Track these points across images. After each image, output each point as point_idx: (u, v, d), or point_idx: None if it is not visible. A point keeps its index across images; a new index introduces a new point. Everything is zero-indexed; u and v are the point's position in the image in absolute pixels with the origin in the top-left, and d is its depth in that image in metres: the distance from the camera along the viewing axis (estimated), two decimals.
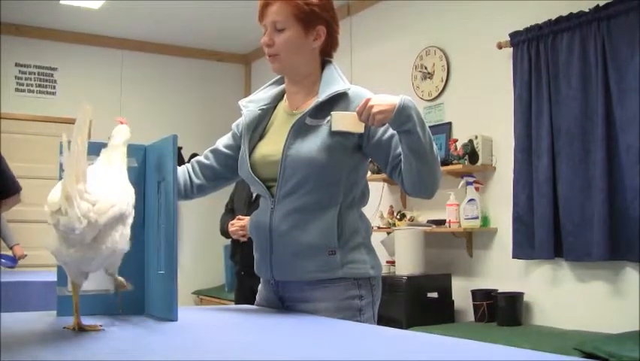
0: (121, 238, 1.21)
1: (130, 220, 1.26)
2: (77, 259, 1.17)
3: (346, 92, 1.67)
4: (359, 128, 1.59)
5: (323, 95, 1.65)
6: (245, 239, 3.21)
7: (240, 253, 3.61)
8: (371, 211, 4.62)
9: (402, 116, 1.53)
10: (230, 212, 3.67)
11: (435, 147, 1.61)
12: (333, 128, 1.59)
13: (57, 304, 1.44)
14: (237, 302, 3.62)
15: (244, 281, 3.57)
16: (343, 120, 1.59)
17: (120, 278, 1.34)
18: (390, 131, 1.63)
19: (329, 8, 1.70)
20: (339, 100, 1.66)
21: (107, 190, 1.20)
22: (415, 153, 1.57)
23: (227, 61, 7.11)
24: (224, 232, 3.49)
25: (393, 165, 1.65)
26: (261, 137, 1.75)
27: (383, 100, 1.54)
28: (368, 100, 1.54)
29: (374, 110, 1.52)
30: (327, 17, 1.70)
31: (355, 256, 1.65)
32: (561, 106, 3.68)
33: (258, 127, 1.76)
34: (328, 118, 1.62)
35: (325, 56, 1.75)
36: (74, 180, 1.10)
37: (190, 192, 1.83)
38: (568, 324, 3.62)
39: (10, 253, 4.94)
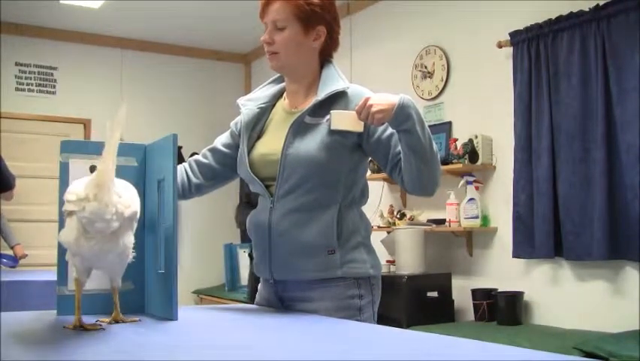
0: (129, 242, 1.27)
1: (135, 226, 1.30)
2: (96, 251, 1.21)
3: (345, 91, 1.67)
4: (358, 127, 1.59)
5: (322, 93, 1.65)
6: None
7: None
8: (371, 210, 4.62)
9: (401, 115, 1.53)
10: (247, 205, 3.58)
11: (435, 145, 1.61)
12: (333, 127, 1.59)
13: (57, 303, 1.44)
14: (252, 300, 3.58)
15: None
16: (343, 119, 1.59)
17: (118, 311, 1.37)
18: (390, 129, 1.63)
19: (330, 9, 1.70)
20: (338, 99, 1.66)
21: (127, 190, 1.27)
22: (415, 152, 1.57)
23: (226, 60, 7.11)
24: (242, 224, 3.39)
25: (393, 164, 1.65)
26: (260, 135, 1.75)
27: (382, 99, 1.54)
28: (367, 99, 1.54)
29: (373, 109, 1.52)
30: (328, 18, 1.70)
31: (355, 255, 1.65)
32: (561, 105, 3.68)
33: (257, 126, 1.76)
34: (327, 117, 1.62)
35: (326, 56, 1.75)
36: (110, 169, 1.15)
37: (188, 191, 1.83)
38: (568, 323, 3.62)
39: (11, 252, 4.94)
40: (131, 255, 1.30)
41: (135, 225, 1.29)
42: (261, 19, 1.70)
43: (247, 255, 3.88)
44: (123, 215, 1.19)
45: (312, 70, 1.73)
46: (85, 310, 1.30)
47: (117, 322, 1.33)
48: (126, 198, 1.22)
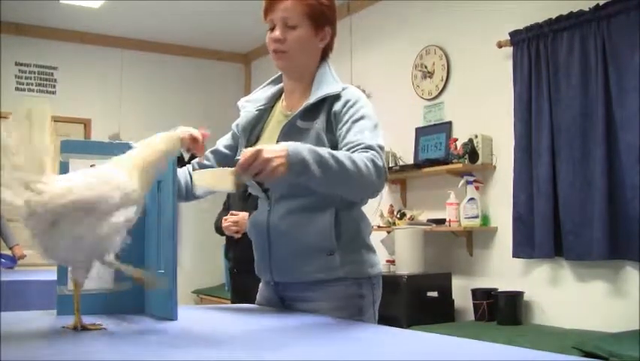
0: (88, 230, 1.16)
1: (119, 217, 1.20)
2: (43, 249, 1.17)
3: (338, 94, 1.64)
4: (226, 185, 1.38)
5: (313, 97, 1.63)
6: (239, 235, 3.13)
7: (233, 250, 3.55)
8: (371, 210, 4.60)
9: (296, 164, 1.37)
10: (227, 209, 3.62)
11: (346, 162, 1.43)
12: (198, 190, 1.55)
13: (57, 303, 1.44)
14: (233, 301, 3.59)
15: (237, 279, 3.54)
16: (207, 179, 1.48)
17: (135, 272, 1.29)
18: (347, 124, 1.57)
19: (335, 9, 1.70)
20: (329, 101, 1.64)
21: (70, 181, 1.18)
22: (332, 188, 1.49)
23: (227, 60, 7.11)
24: (218, 229, 3.43)
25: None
26: (258, 138, 1.74)
27: (274, 150, 1.36)
28: (259, 151, 1.34)
29: (274, 163, 1.34)
30: (333, 19, 1.69)
31: (355, 255, 1.64)
32: (561, 105, 3.68)
33: (255, 128, 1.75)
34: (318, 120, 1.61)
35: (323, 57, 1.74)
36: (13, 168, 1.13)
37: (191, 193, 1.82)
38: (568, 323, 3.62)
39: (9, 253, 4.93)
40: (106, 238, 1.19)
41: (111, 210, 1.19)
42: (266, 15, 1.66)
43: (224, 255, 3.90)
44: (38, 213, 1.12)
45: (312, 70, 1.71)
46: (85, 310, 1.30)
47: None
48: (51, 193, 1.13)
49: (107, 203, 1.19)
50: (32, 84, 6.13)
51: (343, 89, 1.65)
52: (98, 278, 1.36)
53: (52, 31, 6.15)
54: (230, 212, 3.25)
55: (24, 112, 1.19)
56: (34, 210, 1.12)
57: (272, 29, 1.66)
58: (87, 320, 1.28)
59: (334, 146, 1.59)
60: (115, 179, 1.22)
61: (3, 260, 4.77)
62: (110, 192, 1.19)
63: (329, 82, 1.67)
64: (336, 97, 1.63)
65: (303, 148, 1.39)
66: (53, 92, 6.20)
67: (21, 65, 6.08)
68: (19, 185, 1.13)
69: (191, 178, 1.81)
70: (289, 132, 1.62)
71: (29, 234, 1.16)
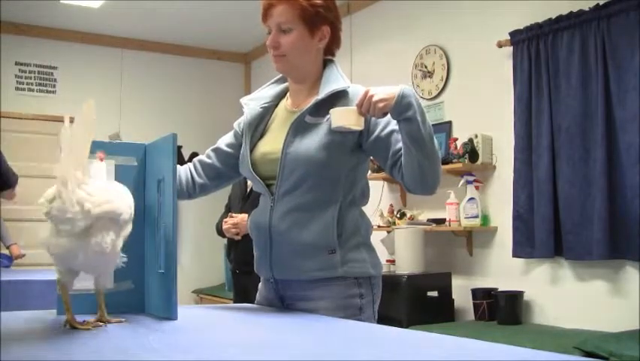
0: (112, 243, 1.21)
1: (126, 232, 1.27)
2: (65, 251, 1.18)
3: (346, 90, 1.67)
4: (359, 124, 1.57)
5: (322, 93, 1.66)
6: (239, 237, 3.15)
7: (234, 251, 3.56)
8: (371, 210, 4.61)
9: (402, 104, 1.53)
10: (228, 211, 3.64)
11: (435, 141, 1.60)
12: (333, 125, 1.58)
13: (57, 302, 1.44)
14: (235, 301, 3.61)
15: (238, 280, 3.55)
16: (343, 116, 1.58)
17: (106, 317, 1.32)
18: (390, 127, 1.63)
19: (332, 8, 1.71)
20: (338, 98, 1.66)
21: (107, 189, 1.23)
22: (416, 143, 1.55)
23: (227, 60, 7.11)
24: (219, 231, 3.44)
25: (393, 161, 1.63)
26: (262, 135, 1.76)
27: (383, 90, 1.55)
28: (368, 91, 1.55)
29: (375, 98, 1.53)
30: (331, 17, 1.70)
31: (355, 254, 1.65)
32: (561, 105, 3.68)
33: (259, 125, 1.76)
34: (328, 116, 1.62)
35: (328, 54, 1.76)
36: (72, 165, 1.14)
37: (192, 191, 1.84)
38: (568, 323, 3.62)
39: (7, 252, 4.94)
40: (118, 257, 1.26)
41: (124, 225, 1.25)
42: (264, 22, 1.69)
43: (225, 256, 3.90)
44: (90, 213, 1.15)
45: (316, 70, 1.73)
46: (85, 310, 1.30)
47: (102, 322, 1.31)
48: (98, 197, 1.18)
49: (128, 222, 1.28)
50: (32, 84, 6.12)
51: (349, 87, 1.68)
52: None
53: (52, 31, 6.15)
54: (230, 214, 3.26)
55: (82, 110, 1.20)
56: (86, 210, 1.14)
57: (270, 33, 1.69)
58: (86, 319, 1.28)
59: (343, 143, 1.61)
60: (130, 199, 1.31)
61: (0, 260, 4.77)
62: (131, 211, 1.28)
63: (337, 79, 1.70)
64: (344, 94, 1.66)
65: (412, 93, 1.56)
66: (53, 92, 6.20)
67: (21, 64, 6.08)
68: (73, 182, 1.14)
69: (192, 176, 1.84)
70: (298, 127, 1.63)
71: (57, 235, 1.17)
